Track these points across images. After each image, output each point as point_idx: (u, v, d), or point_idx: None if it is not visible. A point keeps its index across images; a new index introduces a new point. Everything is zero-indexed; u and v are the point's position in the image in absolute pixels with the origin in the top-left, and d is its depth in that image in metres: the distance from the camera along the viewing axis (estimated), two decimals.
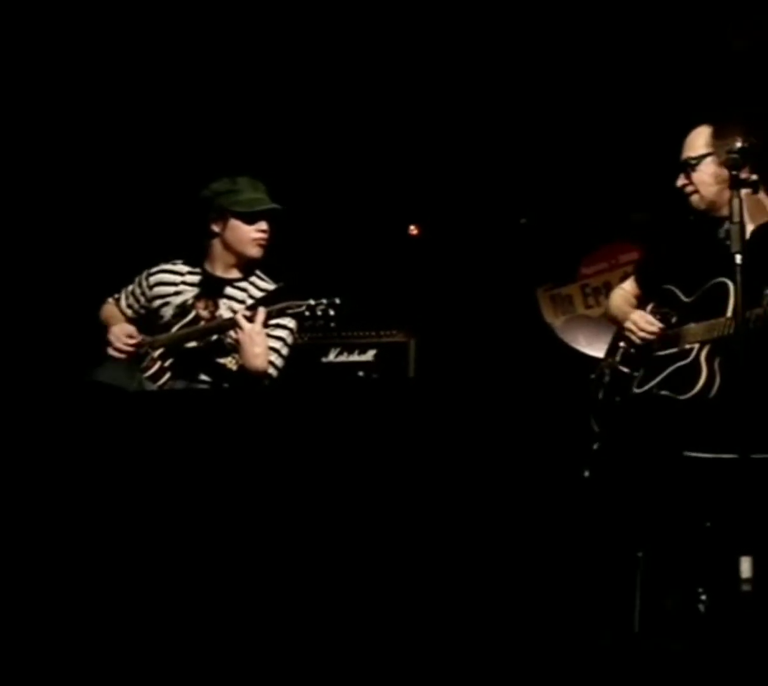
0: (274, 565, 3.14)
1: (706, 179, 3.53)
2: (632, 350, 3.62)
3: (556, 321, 5.35)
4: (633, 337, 3.61)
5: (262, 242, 3.97)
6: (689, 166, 3.57)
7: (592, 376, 3.71)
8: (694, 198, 3.57)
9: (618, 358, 3.66)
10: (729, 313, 3.32)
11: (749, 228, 3.41)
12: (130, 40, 4.92)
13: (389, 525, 3.23)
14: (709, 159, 3.54)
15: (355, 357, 4.61)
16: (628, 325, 3.63)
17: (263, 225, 3.96)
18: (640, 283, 3.74)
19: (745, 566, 2.89)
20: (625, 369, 3.61)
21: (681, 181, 3.60)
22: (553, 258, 5.35)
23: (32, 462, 3.14)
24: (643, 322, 3.58)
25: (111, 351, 4.00)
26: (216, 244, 4.00)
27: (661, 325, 3.56)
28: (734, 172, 3.25)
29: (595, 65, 5.00)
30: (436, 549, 3.26)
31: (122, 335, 4.00)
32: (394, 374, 4.51)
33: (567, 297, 5.37)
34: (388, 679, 3.01)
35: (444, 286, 5.17)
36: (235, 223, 3.95)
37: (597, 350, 4.21)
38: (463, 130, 5.18)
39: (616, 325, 3.76)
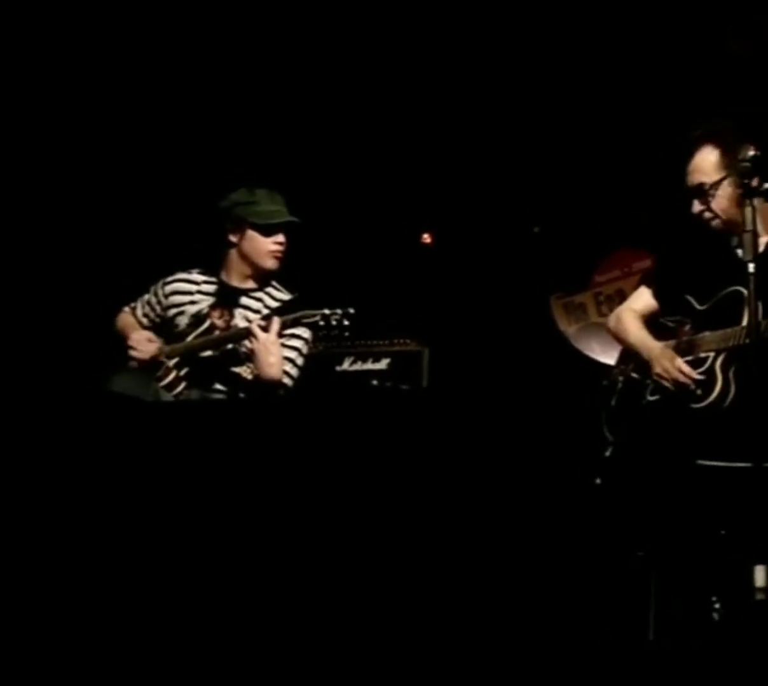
0: (286, 574, 3.15)
1: (726, 203, 3.45)
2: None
3: (569, 329, 5.35)
4: (664, 382, 3.47)
5: (279, 254, 3.99)
6: (705, 193, 3.47)
7: (605, 383, 3.71)
8: (715, 223, 3.48)
9: (631, 366, 3.65)
10: (744, 322, 3.32)
11: (763, 239, 3.41)
12: (150, 54, 4.94)
13: (403, 533, 3.24)
14: (725, 183, 3.45)
15: (369, 366, 4.62)
16: (659, 370, 3.47)
17: (280, 237, 3.97)
18: (655, 291, 3.71)
19: (759, 575, 2.89)
20: (638, 377, 3.61)
21: (697, 208, 3.49)
22: (566, 266, 5.36)
23: (46, 471, 3.16)
24: (676, 371, 3.44)
25: (133, 354, 3.99)
26: (233, 254, 4.02)
27: (696, 378, 3.42)
28: (746, 181, 3.26)
29: (606, 75, 5.02)
30: (449, 556, 3.27)
31: (144, 340, 4.00)
32: (408, 382, 4.52)
33: (580, 305, 5.38)
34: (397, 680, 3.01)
35: (457, 294, 5.18)
36: (252, 235, 3.97)
37: (610, 358, 4.20)
38: (476, 140, 5.19)
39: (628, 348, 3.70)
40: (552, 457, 3.91)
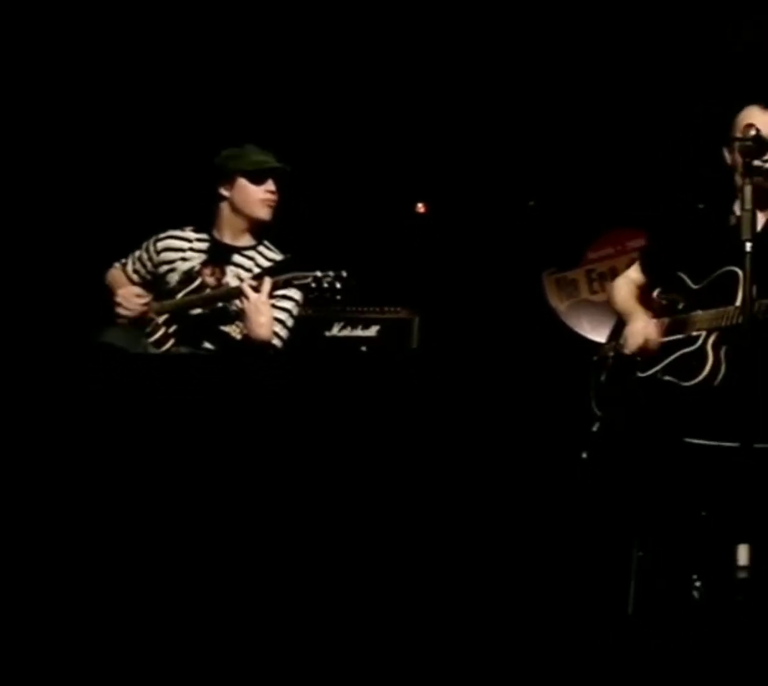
0: (272, 540, 3.14)
1: None
2: None
3: (560, 305, 5.34)
4: (628, 348, 3.53)
5: (271, 203, 3.97)
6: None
7: (595, 358, 3.70)
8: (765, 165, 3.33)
9: (622, 342, 3.64)
10: (738, 302, 3.31)
11: (761, 218, 3.40)
12: (137, 16, 4.89)
13: (388, 499, 3.23)
14: None
15: (359, 332, 4.59)
16: (632, 330, 3.53)
17: (271, 185, 3.96)
18: (645, 268, 3.72)
19: (742, 553, 2.89)
20: (629, 352, 3.60)
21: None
22: (560, 242, 5.34)
23: (35, 424, 3.14)
24: (641, 336, 3.50)
25: (120, 311, 3.97)
26: (224, 207, 4.00)
27: (660, 340, 3.48)
28: (747, 159, 3.25)
29: (604, 52, 4.99)
30: (433, 525, 3.26)
31: (131, 296, 3.98)
32: (397, 350, 4.50)
33: (572, 281, 5.36)
34: (375, 650, 3.01)
35: (450, 265, 5.16)
36: (242, 183, 3.95)
37: (600, 335, 4.21)
38: (473, 111, 5.16)
39: (617, 315, 3.73)
40: (539, 430, 3.91)
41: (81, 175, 4.95)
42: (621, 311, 3.69)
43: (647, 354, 3.50)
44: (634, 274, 3.75)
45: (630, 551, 3.30)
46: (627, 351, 3.53)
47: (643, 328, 3.52)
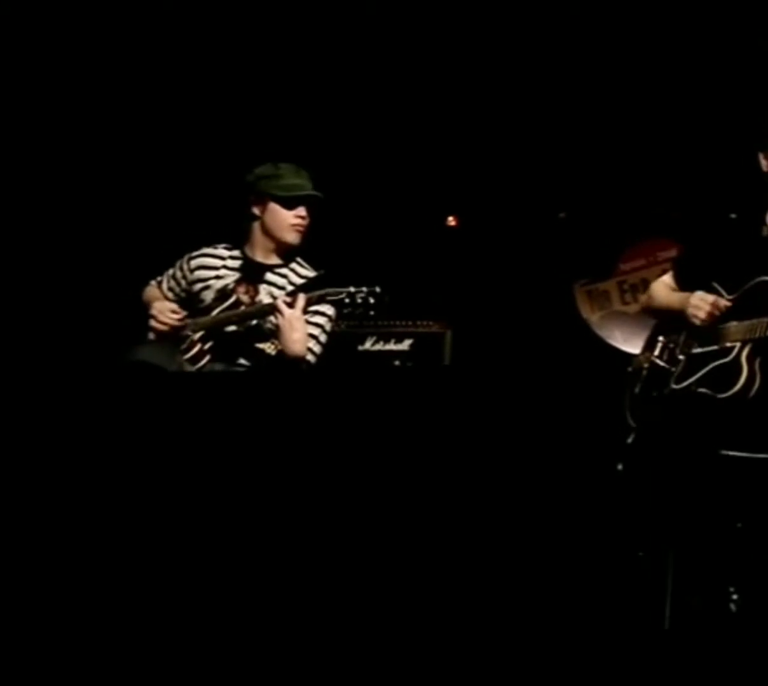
0: (298, 551, 3.16)
1: None
2: (671, 345, 3.61)
3: (592, 316, 5.34)
4: (699, 314, 3.47)
5: (300, 228, 3.98)
6: None
7: (629, 370, 3.70)
8: None
9: (656, 353, 3.64)
10: None
11: None
12: (166, 25, 4.94)
13: (423, 513, 3.24)
14: None
15: (391, 346, 4.61)
16: (694, 301, 3.49)
17: (302, 211, 3.97)
18: (678, 279, 3.71)
19: None
20: (663, 364, 3.59)
21: None
22: (591, 253, 5.34)
23: (69, 441, 3.17)
24: (706, 301, 3.46)
25: (155, 325, 3.99)
26: (256, 228, 4.02)
27: (726, 301, 3.45)
28: None
29: (635, 63, 4.99)
30: (468, 539, 3.27)
31: (166, 310, 4.00)
32: (430, 365, 4.52)
33: (604, 292, 5.36)
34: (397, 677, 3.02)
35: (482, 278, 5.17)
36: (274, 207, 3.97)
37: (633, 346, 4.19)
38: (505, 123, 5.17)
39: (655, 318, 3.72)
40: (574, 443, 3.90)
41: (116, 194, 5.00)
42: (668, 303, 3.64)
43: (717, 314, 3.44)
44: (668, 280, 3.74)
45: (666, 564, 3.29)
46: (697, 321, 3.46)
47: (702, 299, 3.47)
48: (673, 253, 4.93)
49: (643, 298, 3.85)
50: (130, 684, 2.89)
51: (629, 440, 3.49)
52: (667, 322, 3.64)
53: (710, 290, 3.55)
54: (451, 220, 5.34)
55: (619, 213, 5.26)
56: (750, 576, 3.16)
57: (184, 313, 4.02)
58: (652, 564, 3.36)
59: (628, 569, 3.46)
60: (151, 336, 4.04)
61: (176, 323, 3.98)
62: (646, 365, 3.65)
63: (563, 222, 5.30)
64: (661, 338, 3.65)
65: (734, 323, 3.45)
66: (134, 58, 4.96)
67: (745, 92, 4.72)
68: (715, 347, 3.47)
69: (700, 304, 3.48)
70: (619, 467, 3.47)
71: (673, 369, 3.54)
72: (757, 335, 3.36)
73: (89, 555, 3.10)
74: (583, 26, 4.96)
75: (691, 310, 3.50)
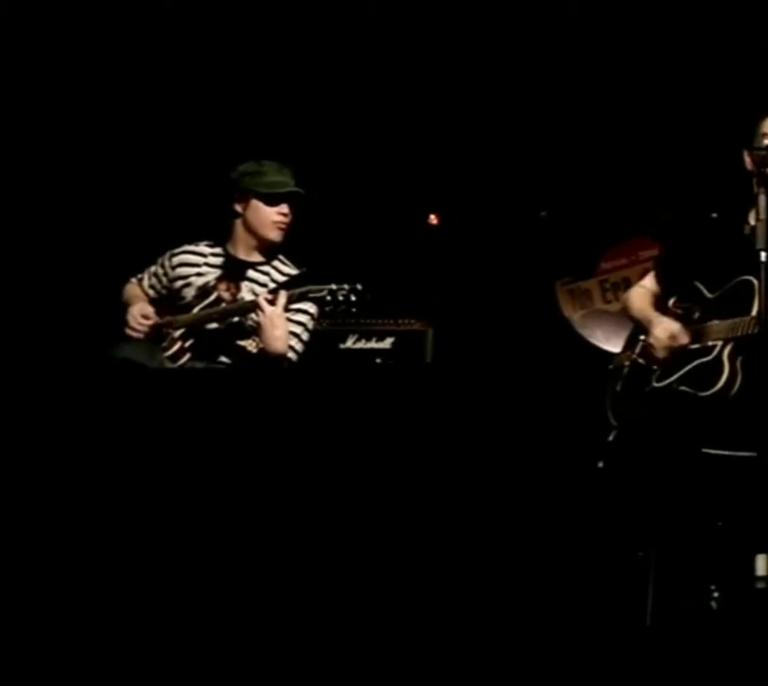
0: (282, 551, 3.15)
1: None
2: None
3: (574, 315, 5.34)
4: (657, 350, 3.51)
5: (282, 226, 3.97)
6: None
7: (610, 367, 3.70)
8: None
9: (637, 351, 3.64)
10: (753, 312, 3.31)
11: None
12: (156, 21, 4.92)
13: (403, 512, 3.23)
14: None
15: (373, 345, 4.61)
16: (657, 333, 3.50)
17: (284, 208, 3.96)
18: (659, 278, 3.72)
19: (761, 563, 2.89)
20: (644, 362, 3.59)
21: None
22: (573, 252, 5.34)
23: (51, 438, 3.15)
24: (666, 335, 3.49)
25: (127, 331, 4.02)
26: (238, 225, 4.01)
27: (686, 337, 3.48)
28: (763, 169, 3.26)
29: (617, 61, 4.99)
30: (448, 536, 3.27)
31: (138, 315, 4.02)
32: (412, 363, 4.51)
33: (585, 291, 5.36)
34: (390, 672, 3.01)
35: (463, 276, 5.16)
36: (256, 204, 3.96)
37: (614, 345, 4.21)
38: (486, 122, 5.17)
39: (633, 322, 3.73)
40: (555, 441, 3.91)
41: (96, 191, 4.98)
42: (639, 319, 3.67)
43: (677, 352, 3.47)
44: (649, 284, 3.74)
45: (647, 561, 3.30)
46: (657, 354, 3.50)
47: (665, 330, 3.50)
48: (654, 252, 4.94)
49: (621, 298, 3.85)
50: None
51: (610, 438, 3.50)
52: None
53: (692, 289, 3.56)
54: (433, 218, 5.33)
55: (601, 212, 5.26)
56: (731, 574, 3.17)
57: (155, 318, 4.02)
58: (635, 561, 3.36)
59: (610, 566, 3.46)
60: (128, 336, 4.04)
61: (147, 330, 3.99)
62: (627, 363, 3.66)
63: (545, 220, 5.30)
64: (642, 337, 3.65)
65: (716, 322, 3.46)
66: (119, 55, 4.93)
67: (728, 91, 4.73)
68: (696, 346, 3.48)
69: (661, 338, 3.48)
70: (600, 465, 3.47)
71: (655, 367, 3.55)
72: (738, 334, 3.37)
73: (70, 546, 3.09)
74: (569, 24, 4.96)
75: (651, 341, 3.52)
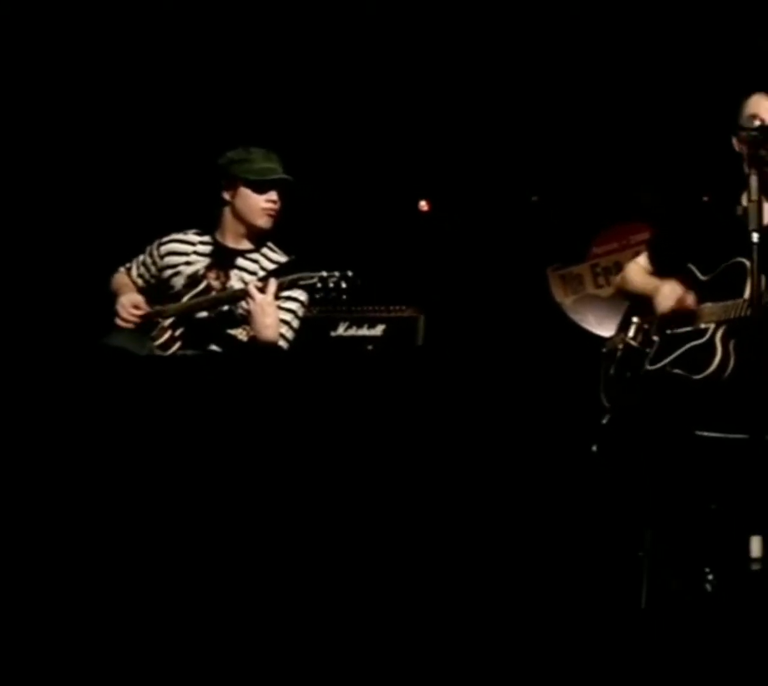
0: (276, 538, 3.15)
1: None
2: (646, 326, 3.60)
3: (565, 300, 5.33)
4: (665, 306, 3.48)
5: (271, 213, 3.96)
6: None
7: (604, 351, 3.69)
8: None
9: (630, 334, 3.63)
10: (746, 294, 3.30)
11: (765, 207, 3.39)
12: (141, 16, 4.89)
13: (395, 497, 3.23)
14: None
15: (364, 332, 4.59)
16: (665, 291, 3.49)
17: (273, 195, 3.94)
18: (652, 259, 3.71)
19: (755, 545, 2.89)
20: (637, 345, 3.58)
21: None
22: (564, 237, 5.33)
23: (42, 426, 3.14)
24: (675, 293, 3.47)
25: (117, 321, 4.00)
26: (227, 212, 3.99)
27: (693, 298, 3.46)
28: (753, 150, 3.25)
29: (604, 44, 4.97)
30: (441, 522, 3.26)
31: (129, 305, 4.00)
32: (403, 349, 4.50)
33: (577, 276, 5.35)
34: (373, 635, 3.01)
35: (454, 262, 5.15)
36: (245, 192, 3.94)
37: (606, 330, 4.20)
38: (477, 108, 5.15)
39: (629, 300, 3.72)
40: (548, 424, 3.90)
41: (85, 180, 4.96)
42: (641, 288, 3.64)
43: (683, 312, 3.45)
44: (643, 262, 3.74)
45: (642, 544, 3.29)
46: (662, 310, 3.48)
47: (672, 291, 3.48)
48: (645, 236, 4.93)
49: (616, 279, 3.86)
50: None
51: (604, 421, 3.49)
52: (641, 304, 3.64)
53: (685, 272, 3.54)
54: (424, 205, 5.32)
55: (592, 196, 5.25)
56: (725, 557, 3.16)
57: (146, 308, 4.00)
58: (630, 545, 3.36)
59: (605, 549, 3.46)
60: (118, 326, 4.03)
61: (138, 319, 3.98)
62: (620, 346, 3.65)
63: (536, 205, 5.29)
64: (635, 319, 3.64)
65: (709, 304, 3.45)
66: (107, 42, 4.91)
67: (718, 71, 4.71)
68: (689, 328, 3.47)
69: (669, 296, 3.48)
70: (594, 448, 3.46)
71: (648, 350, 3.54)
72: (731, 316, 3.36)
73: (60, 533, 3.08)
74: (555, 7, 4.94)
75: (658, 300, 3.50)
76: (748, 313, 3.22)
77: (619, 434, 3.42)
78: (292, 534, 3.15)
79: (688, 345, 3.44)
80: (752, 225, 3.13)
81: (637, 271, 3.72)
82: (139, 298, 4.03)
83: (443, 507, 3.31)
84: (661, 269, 3.65)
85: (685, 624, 3.10)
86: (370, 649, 2.98)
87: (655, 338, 3.55)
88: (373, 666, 2.93)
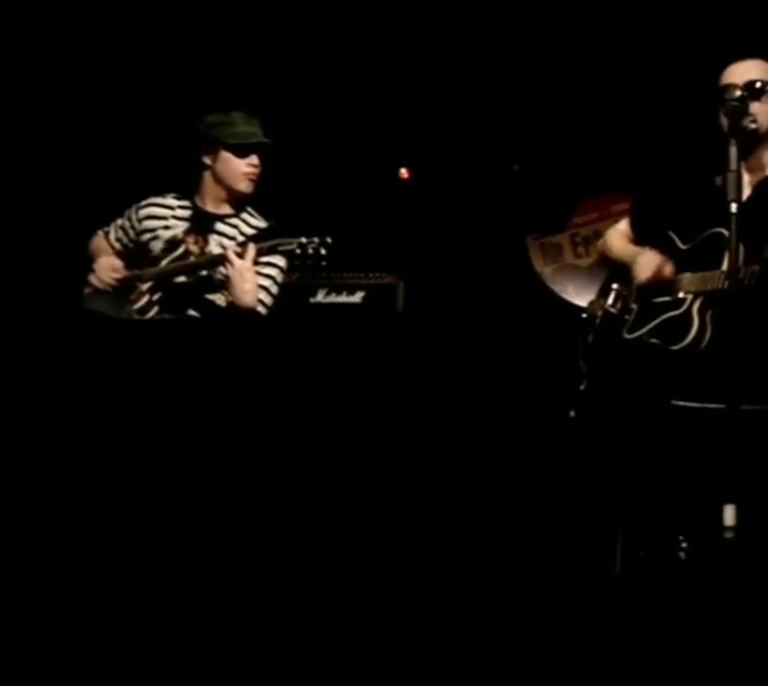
0: (252, 505, 3.15)
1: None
2: (625, 292, 3.61)
3: (545, 269, 5.33)
4: (642, 274, 3.51)
5: (252, 177, 3.94)
6: (758, 92, 3.36)
7: (584, 316, 3.70)
8: (754, 126, 3.38)
9: (610, 301, 3.64)
10: (724, 266, 3.30)
11: (746, 179, 3.39)
12: None
13: (375, 463, 3.24)
14: None
15: (344, 299, 4.58)
16: (642, 261, 3.51)
17: (254, 159, 3.93)
18: (634, 226, 3.71)
19: (729, 514, 2.91)
20: (616, 312, 3.59)
21: (755, 108, 3.36)
22: (544, 206, 5.32)
23: (21, 388, 3.13)
24: (653, 262, 3.49)
25: (94, 282, 3.98)
26: (207, 177, 3.97)
27: (671, 268, 3.48)
28: (734, 121, 3.25)
29: (592, 17, 4.95)
30: (421, 488, 3.27)
31: (107, 268, 3.99)
32: (382, 316, 4.49)
33: (556, 245, 5.35)
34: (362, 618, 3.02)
35: (434, 230, 5.14)
36: (226, 156, 3.92)
37: (585, 300, 4.18)
38: (458, 76, 5.13)
39: (609, 266, 3.73)
40: (526, 391, 3.91)
41: (63, 143, 4.92)
42: (621, 254, 3.66)
43: (660, 281, 3.47)
44: (624, 228, 3.75)
45: (617, 511, 3.31)
46: (639, 279, 3.50)
47: (650, 260, 3.50)
48: (625, 206, 4.91)
49: (598, 244, 3.87)
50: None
51: (582, 387, 3.50)
52: (621, 271, 3.64)
53: (665, 239, 3.55)
54: (404, 172, 5.30)
55: (573, 166, 5.24)
56: (699, 525, 3.19)
57: (124, 272, 3.98)
58: (605, 512, 3.38)
59: (580, 516, 3.48)
60: (88, 290, 4.00)
61: (115, 282, 3.96)
62: (599, 313, 3.65)
63: (516, 174, 5.28)
64: (614, 286, 3.65)
65: (688, 274, 3.46)
66: (84, 11, 4.86)
67: (699, 46, 4.70)
68: (667, 298, 3.48)
69: (647, 265, 3.49)
70: (572, 414, 3.47)
71: (627, 317, 3.55)
72: (708, 288, 3.37)
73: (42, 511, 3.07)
74: None
75: (637, 269, 3.51)
76: (725, 285, 3.22)
77: (597, 400, 3.43)
78: (269, 503, 3.15)
79: (665, 316, 3.45)
80: (731, 195, 3.13)
81: (618, 237, 3.73)
82: (117, 262, 4.01)
83: (422, 474, 3.32)
84: (641, 235, 3.65)
85: (659, 591, 3.13)
86: (351, 619, 3.00)
87: (634, 306, 3.56)
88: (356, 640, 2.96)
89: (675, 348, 3.37)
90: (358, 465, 3.28)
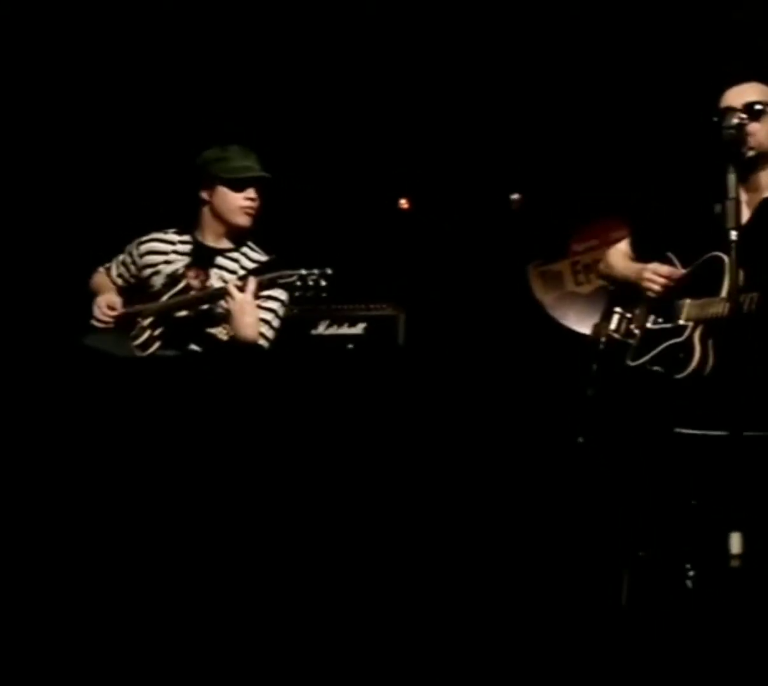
0: (258, 535, 3.15)
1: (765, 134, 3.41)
2: (628, 316, 3.61)
3: (545, 297, 5.34)
4: (653, 287, 3.52)
5: (250, 211, 3.95)
6: (758, 113, 3.38)
7: (587, 341, 3.70)
8: (749, 149, 3.37)
9: (613, 326, 3.64)
10: (723, 292, 3.30)
11: (744, 199, 3.40)
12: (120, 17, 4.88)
13: (379, 494, 3.23)
14: None
15: (345, 330, 4.59)
16: (648, 275, 3.53)
17: (251, 193, 3.94)
18: (634, 247, 3.72)
19: (735, 542, 2.90)
20: (619, 337, 3.59)
21: (753, 128, 3.38)
22: (544, 234, 5.34)
23: (21, 427, 3.13)
24: (660, 273, 3.51)
25: (93, 321, 4.01)
26: (206, 212, 3.99)
27: (681, 271, 3.49)
28: (732, 148, 3.26)
29: (591, 41, 4.98)
30: (427, 516, 3.27)
31: (104, 305, 4.02)
32: (384, 347, 4.50)
33: (557, 273, 5.36)
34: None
35: (435, 260, 5.16)
36: (223, 191, 3.94)
37: (586, 327, 4.20)
38: (457, 106, 5.16)
39: (612, 285, 3.73)
40: (528, 421, 3.91)
41: (64, 179, 4.94)
42: (625, 272, 3.66)
43: (673, 285, 3.48)
44: (625, 248, 3.75)
45: (624, 541, 3.30)
46: (652, 293, 3.51)
47: (657, 268, 3.51)
48: (625, 233, 4.93)
49: (600, 266, 3.87)
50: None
51: (588, 414, 3.49)
52: (624, 291, 3.65)
53: (665, 260, 3.56)
54: (404, 202, 5.32)
55: (572, 194, 5.26)
56: (705, 553, 3.18)
57: (122, 309, 4.01)
58: (612, 539, 3.37)
59: (587, 544, 3.47)
60: (98, 325, 4.03)
61: (112, 320, 3.99)
62: (603, 339, 3.65)
63: (517, 203, 5.30)
64: (617, 309, 3.65)
65: (688, 301, 3.46)
66: (86, 40, 4.89)
67: (699, 70, 4.72)
68: (668, 325, 3.48)
69: (654, 277, 3.51)
70: (580, 440, 3.47)
71: (630, 341, 3.55)
72: (709, 315, 3.37)
73: (43, 529, 3.08)
74: (538, 5, 4.95)
75: (645, 284, 3.52)
76: (726, 313, 3.22)
77: (604, 427, 3.43)
78: (272, 530, 3.15)
79: (667, 343, 3.45)
80: (730, 223, 3.14)
81: (619, 256, 3.74)
82: (114, 299, 4.03)
83: (427, 503, 3.31)
84: (642, 255, 3.65)
85: (666, 620, 3.11)
86: (349, 618, 2.99)
87: (637, 331, 3.56)
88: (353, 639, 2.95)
89: (678, 376, 3.37)
90: (362, 496, 3.27)
